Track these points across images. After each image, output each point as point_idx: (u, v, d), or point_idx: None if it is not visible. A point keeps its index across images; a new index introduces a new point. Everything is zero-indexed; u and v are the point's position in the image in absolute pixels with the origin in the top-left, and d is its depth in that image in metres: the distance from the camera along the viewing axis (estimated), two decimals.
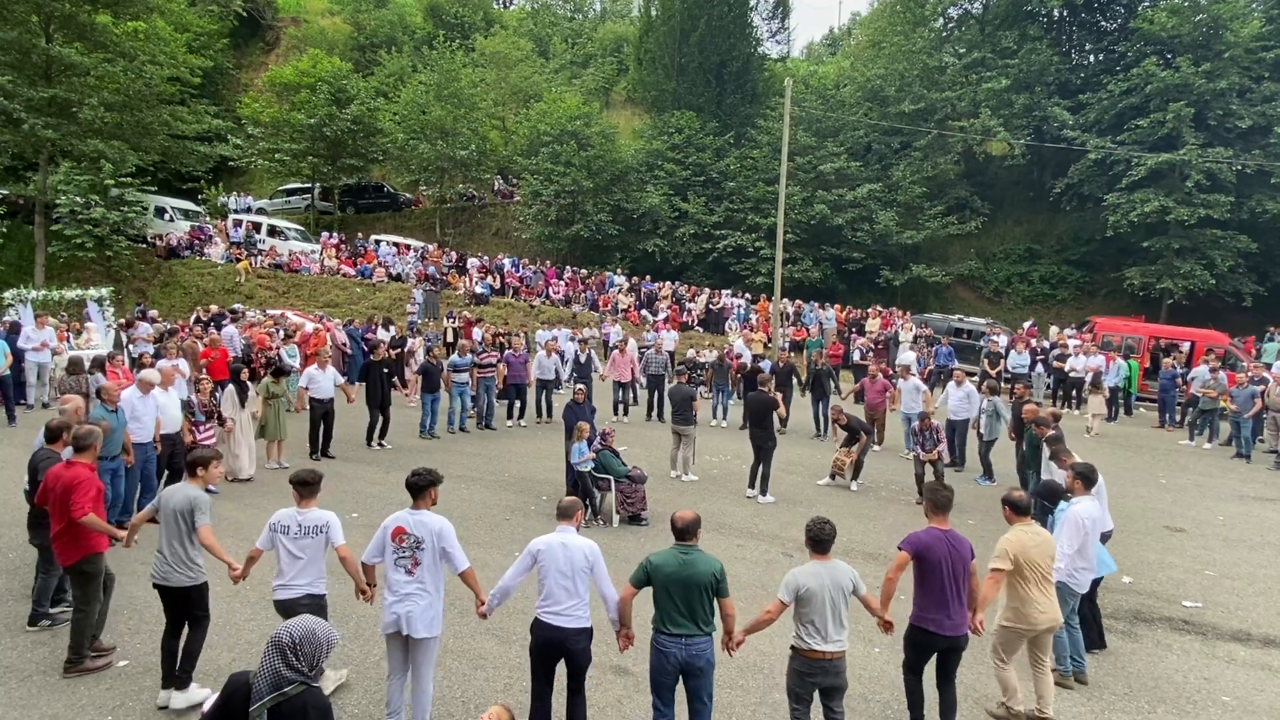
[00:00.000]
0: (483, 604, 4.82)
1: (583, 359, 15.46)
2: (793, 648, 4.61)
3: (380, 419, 12.45)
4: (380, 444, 12.46)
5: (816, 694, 4.62)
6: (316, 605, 4.92)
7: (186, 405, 9.53)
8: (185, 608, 5.16)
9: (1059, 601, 5.63)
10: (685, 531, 4.59)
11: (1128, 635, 6.88)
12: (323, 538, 4.95)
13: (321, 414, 11.56)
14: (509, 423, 14.60)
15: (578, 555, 4.57)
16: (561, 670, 4.69)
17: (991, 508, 10.36)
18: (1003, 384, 16.97)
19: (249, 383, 10.80)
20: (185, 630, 5.20)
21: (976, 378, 14.44)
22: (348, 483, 10.36)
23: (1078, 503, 5.91)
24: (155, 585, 5.15)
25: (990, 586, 5.06)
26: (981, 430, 11.70)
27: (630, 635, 4.69)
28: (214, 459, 5.39)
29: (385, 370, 12.56)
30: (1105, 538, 6.52)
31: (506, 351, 14.93)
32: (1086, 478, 6.01)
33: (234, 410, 10.22)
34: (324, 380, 11.57)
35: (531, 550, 4.65)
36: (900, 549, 4.91)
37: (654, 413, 15.63)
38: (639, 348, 17.67)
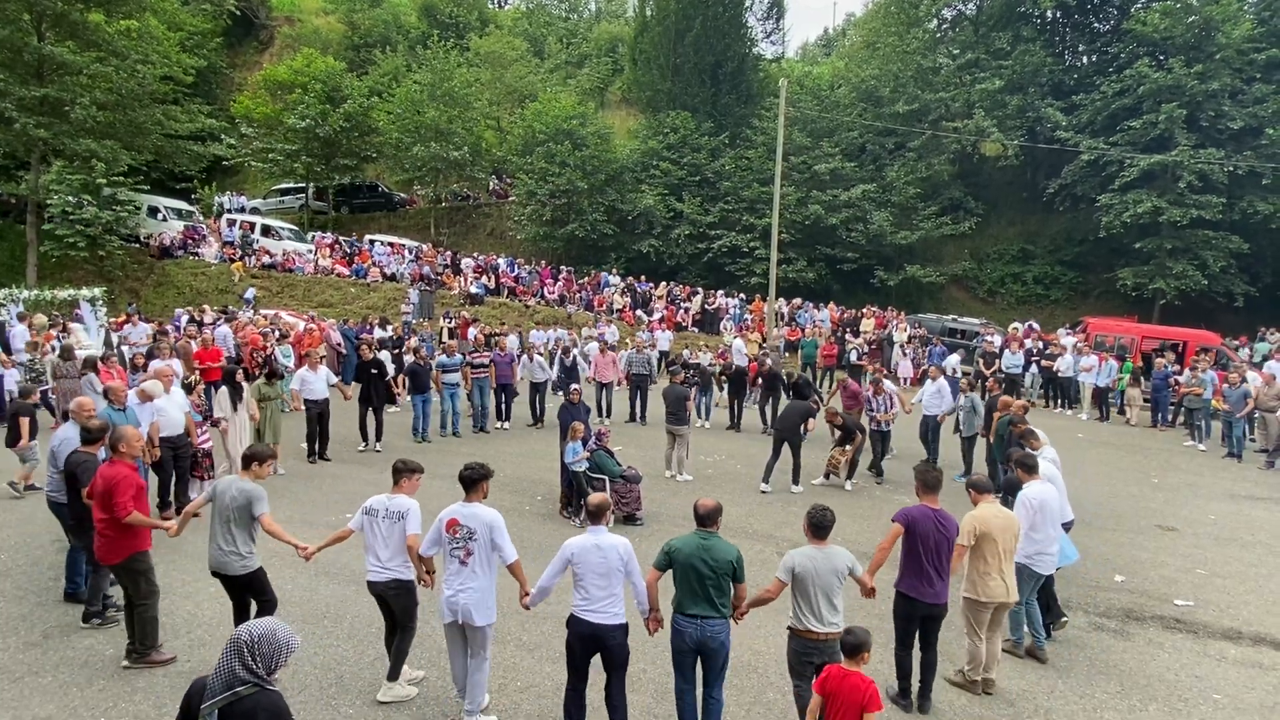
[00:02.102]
0: (527, 594, 4.96)
1: (568, 361, 15.38)
2: (789, 628, 4.89)
3: (371, 418, 12.31)
4: (376, 448, 12.36)
5: None
6: (405, 590, 5.18)
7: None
8: (247, 593, 5.52)
9: (1020, 582, 5.93)
10: (707, 518, 4.80)
11: (1120, 634, 6.91)
12: (402, 524, 5.11)
13: (316, 415, 11.47)
14: (497, 424, 14.52)
15: (612, 555, 4.71)
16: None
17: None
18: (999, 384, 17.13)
19: (244, 384, 10.70)
20: (254, 612, 5.53)
21: (971, 377, 14.50)
22: (343, 484, 10.35)
23: (1026, 487, 6.25)
24: (214, 573, 5.44)
25: (954, 558, 5.44)
26: (961, 427, 11.84)
27: (659, 619, 4.87)
28: (270, 456, 5.62)
29: (374, 371, 12.46)
30: (1066, 528, 6.75)
31: (494, 351, 14.85)
32: (1025, 465, 6.42)
33: (228, 412, 10.10)
34: (316, 381, 11.49)
35: (566, 553, 4.77)
36: (893, 520, 5.46)
37: (637, 414, 15.55)
38: (633, 347, 17.60)
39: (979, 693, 5.72)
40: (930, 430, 12.51)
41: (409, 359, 14.10)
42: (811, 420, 11.18)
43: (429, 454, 12.24)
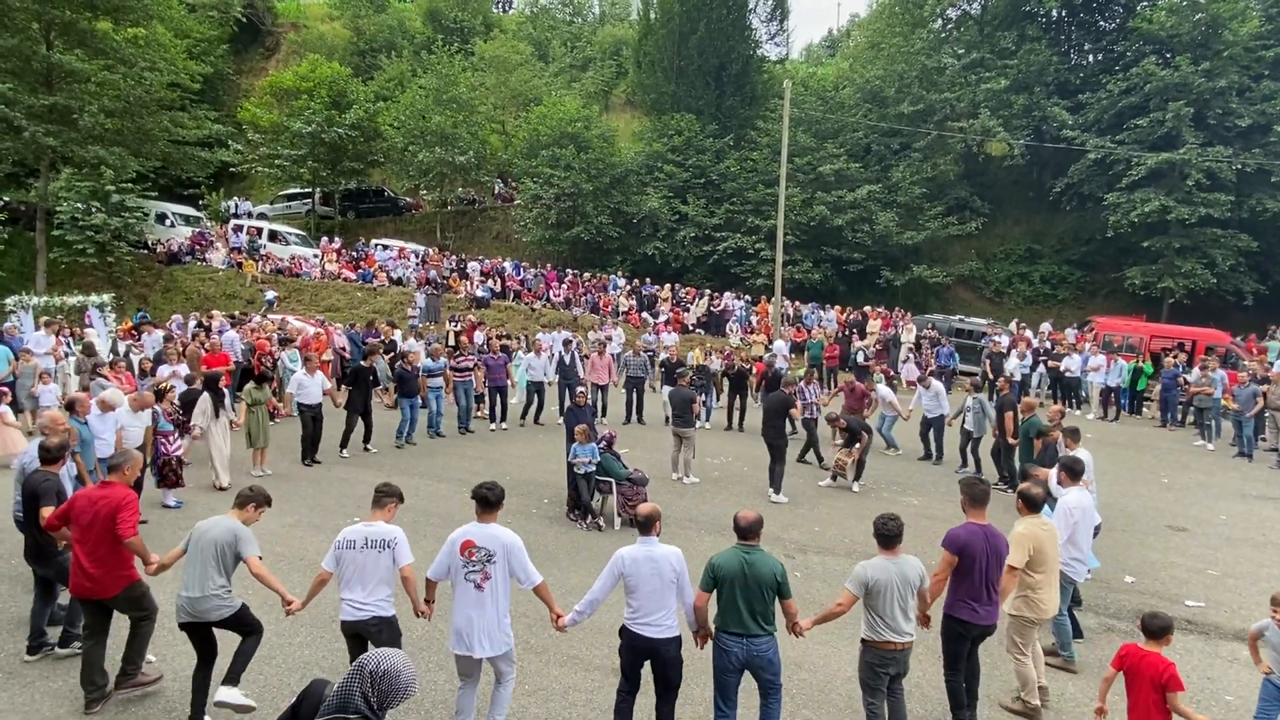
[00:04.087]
0: (559, 616, 4.79)
1: (567, 360, 15.37)
2: (864, 641, 4.78)
3: (361, 424, 12.23)
4: (369, 449, 12.31)
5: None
6: (387, 627, 4.75)
7: (151, 414, 9.07)
8: (234, 630, 5.02)
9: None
10: (748, 531, 4.68)
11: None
12: (389, 554, 4.72)
13: (311, 419, 11.44)
14: (491, 426, 14.44)
15: (665, 568, 4.60)
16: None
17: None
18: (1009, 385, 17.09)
19: (225, 390, 10.43)
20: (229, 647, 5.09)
21: (977, 378, 14.55)
22: (348, 486, 10.36)
23: (1066, 494, 6.14)
24: (184, 624, 4.93)
25: (1008, 579, 5.24)
26: (969, 426, 11.97)
27: (708, 633, 4.80)
28: (265, 503, 5.20)
29: (371, 376, 12.39)
30: (1095, 532, 6.69)
31: (484, 354, 14.76)
32: (1071, 470, 6.29)
33: (208, 418, 9.89)
34: (313, 386, 11.47)
35: (618, 565, 4.64)
36: (944, 548, 5.14)
37: (632, 416, 15.46)
38: (641, 349, 17.57)
39: (1040, 719, 5.53)
40: (934, 430, 12.90)
41: (394, 363, 13.96)
42: (794, 409, 11.06)
43: (437, 455, 12.29)
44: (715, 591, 4.63)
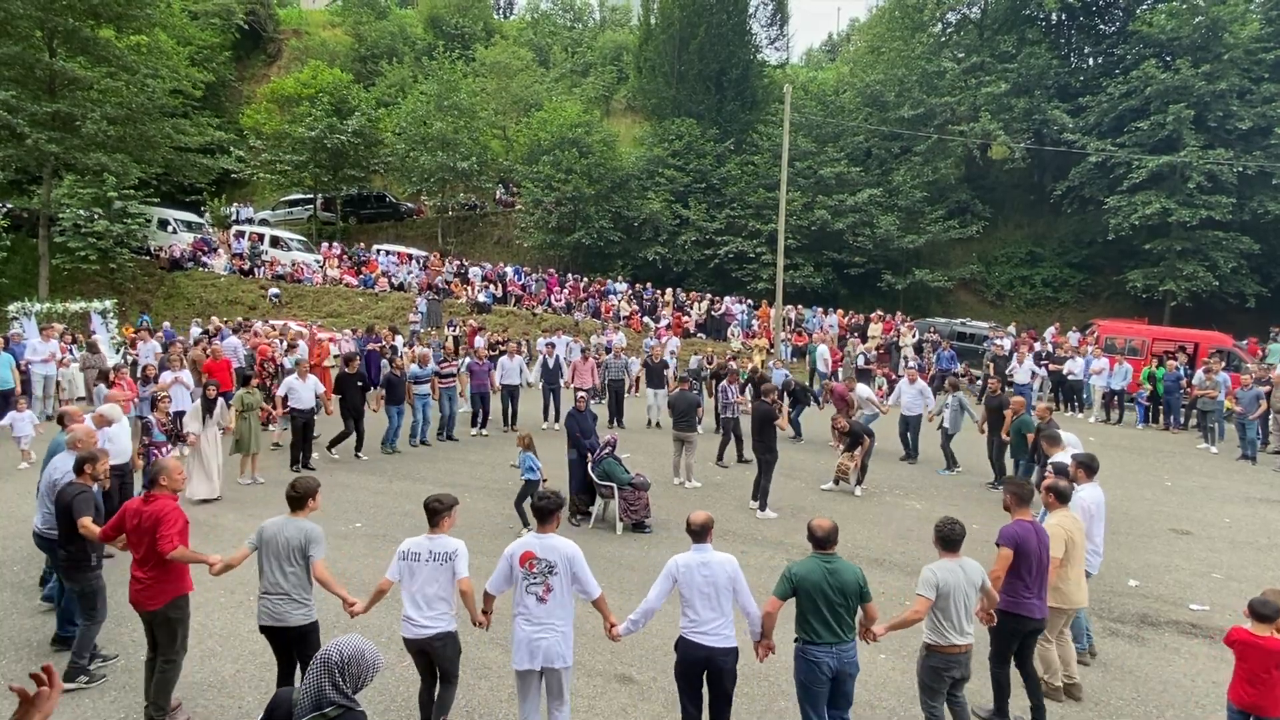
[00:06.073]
0: (613, 626, 4.69)
1: (550, 365, 15.31)
2: (928, 645, 4.76)
3: (353, 430, 12.17)
4: (356, 455, 12.22)
5: None
6: (451, 641, 4.72)
7: (144, 425, 8.94)
8: (302, 648, 4.86)
9: None
10: (826, 540, 4.62)
11: (1135, 639, 6.84)
12: (450, 566, 4.68)
13: (302, 424, 11.40)
14: (472, 431, 14.31)
15: (720, 574, 4.54)
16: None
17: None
18: (1008, 388, 17.02)
19: (216, 398, 10.28)
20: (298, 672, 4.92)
21: (980, 380, 14.59)
22: (351, 492, 10.35)
23: (1082, 489, 6.20)
24: (265, 628, 4.85)
25: (1053, 572, 5.32)
26: (946, 424, 12.09)
27: (771, 645, 4.69)
28: (316, 488, 5.05)
29: (359, 383, 12.31)
30: None
31: (469, 360, 14.67)
32: (1088, 466, 6.38)
33: (198, 427, 9.81)
34: (304, 390, 11.44)
35: (672, 572, 4.60)
36: (1001, 545, 5.14)
37: (613, 420, 15.34)
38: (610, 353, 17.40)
39: (1062, 699, 5.64)
40: (910, 429, 12.95)
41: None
42: (779, 421, 10.85)
43: (438, 460, 12.26)
44: (797, 602, 4.54)
